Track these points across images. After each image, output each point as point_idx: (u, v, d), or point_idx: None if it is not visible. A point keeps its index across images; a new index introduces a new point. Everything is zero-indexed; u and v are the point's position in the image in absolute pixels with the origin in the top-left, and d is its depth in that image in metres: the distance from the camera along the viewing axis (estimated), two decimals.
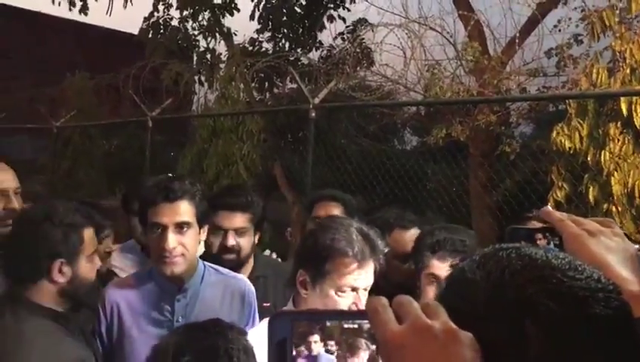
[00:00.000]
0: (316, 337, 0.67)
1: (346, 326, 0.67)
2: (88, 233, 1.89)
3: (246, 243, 2.49)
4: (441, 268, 1.99)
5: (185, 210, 2.06)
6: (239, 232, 2.47)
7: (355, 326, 0.67)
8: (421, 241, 2.09)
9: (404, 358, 0.61)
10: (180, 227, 2.05)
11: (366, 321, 0.66)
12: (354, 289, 1.77)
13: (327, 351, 0.67)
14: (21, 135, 11.23)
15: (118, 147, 9.76)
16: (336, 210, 2.80)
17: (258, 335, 1.63)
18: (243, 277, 2.27)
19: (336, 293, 1.76)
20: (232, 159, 7.15)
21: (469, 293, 0.66)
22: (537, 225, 3.02)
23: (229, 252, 2.45)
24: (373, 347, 0.67)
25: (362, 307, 1.77)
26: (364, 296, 1.79)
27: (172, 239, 2.03)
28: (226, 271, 2.30)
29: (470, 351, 0.60)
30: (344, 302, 1.77)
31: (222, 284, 2.21)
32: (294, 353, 0.66)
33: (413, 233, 2.53)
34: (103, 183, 9.19)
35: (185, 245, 2.07)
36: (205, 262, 2.28)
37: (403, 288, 2.35)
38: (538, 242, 0.99)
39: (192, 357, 1.39)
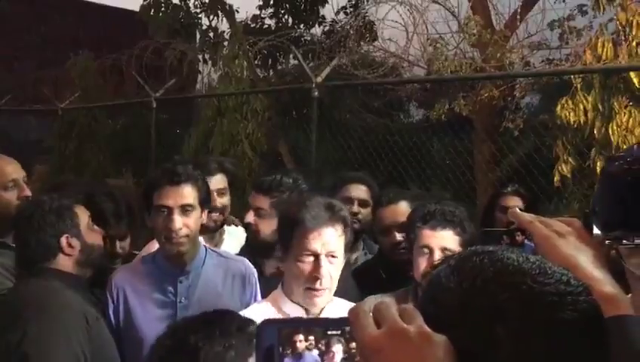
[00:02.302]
0: (301, 337, 0.71)
1: (329, 332, 0.71)
2: (79, 209, 2.10)
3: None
4: (432, 237, 2.02)
5: (189, 193, 2.14)
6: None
7: (339, 332, 0.70)
8: (413, 215, 2.12)
9: (380, 361, 0.64)
10: (185, 209, 2.13)
11: (348, 327, 0.69)
12: (315, 256, 1.81)
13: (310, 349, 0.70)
14: (27, 116, 11.28)
15: (123, 127, 9.78)
16: (364, 193, 2.88)
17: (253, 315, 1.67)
18: (243, 259, 2.32)
19: (297, 261, 1.82)
20: (238, 138, 7.15)
21: (443, 299, 0.69)
22: (517, 201, 3.08)
23: None
24: (351, 344, 0.70)
25: (322, 273, 1.81)
26: (326, 263, 1.82)
27: (178, 220, 2.10)
28: (227, 253, 2.36)
29: (444, 352, 0.63)
30: (305, 268, 1.81)
31: (223, 266, 2.27)
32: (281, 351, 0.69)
33: (391, 208, 2.58)
34: (109, 163, 9.24)
35: (189, 226, 2.14)
36: (206, 245, 2.32)
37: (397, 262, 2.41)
38: (517, 238, 1.02)
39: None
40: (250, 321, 1.53)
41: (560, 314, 0.64)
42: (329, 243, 1.82)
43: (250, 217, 2.44)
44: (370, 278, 2.43)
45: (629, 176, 0.98)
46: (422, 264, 2.02)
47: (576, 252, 0.93)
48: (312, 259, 1.82)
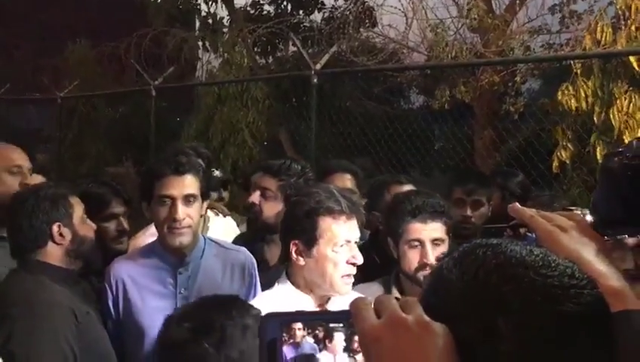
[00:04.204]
0: (299, 325, 0.71)
1: (332, 325, 0.71)
2: (74, 199, 2.09)
3: None
4: (423, 230, 2.03)
5: (192, 183, 2.13)
6: None
7: (341, 325, 0.71)
8: (397, 209, 2.10)
9: (380, 350, 0.65)
10: (188, 199, 2.12)
11: (350, 319, 0.70)
12: (347, 243, 1.86)
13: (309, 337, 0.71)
14: (27, 105, 11.26)
15: (123, 115, 9.77)
16: (350, 182, 2.88)
17: (263, 304, 1.69)
18: (243, 250, 2.32)
19: (332, 251, 1.84)
20: (238, 126, 7.16)
21: (445, 292, 0.69)
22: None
23: None
24: (353, 336, 0.71)
25: (359, 258, 1.87)
26: (356, 249, 1.88)
27: (182, 210, 2.10)
28: (226, 243, 2.36)
29: (443, 340, 0.63)
30: (341, 256, 1.85)
31: (222, 257, 2.26)
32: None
33: (408, 188, 2.60)
34: (109, 152, 9.24)
35: (191, 217, 2.13)
36: (206, 236, 2.33)
37: None
38: (520, 231, 1.01)
39: (190, 325, 1.47)
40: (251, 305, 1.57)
41: (563, 307, 0.63)
42: (356, 230, 1.89)
43: (255, 197, 2.45)
44: (364, 263, 2.43)
45: (628, 171, 0.96)
46: (414, 257, 2.04)
47: (580, 246, 0.92)
48: (347, 246, 1.86)
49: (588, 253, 0.91)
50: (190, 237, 2.15)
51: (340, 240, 1.85)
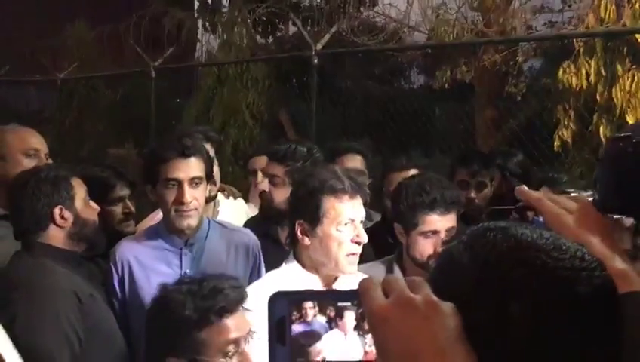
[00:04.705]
0: (310, 304, 0.72)
1: (340, 304, 0.72)
2: (76, 181, 2.07)
3: None
4: (439, 221, 2.05)
5: (198, 165, 2.15)
6: None
7: (348, 303, 0.72)
8: (413, 200, 2.08)
9: (388, 330, 0.65)
10: (194, 182, 2.14)
11: (358, 298, 0.70)
12: (351, 222, 1.87)
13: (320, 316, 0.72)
14: (27, 87, 11.22)
15: (123, 97, 9.73)
16: (360, 163, 2.90)
17: (261, 289, 1.71)
18: (248, 231, 2.34)
19: (336, 230, 1.86)
20: (238, 107, 7.13)
21: (455, 275, 0.68)
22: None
23: None
24: (360, 310, 0.71)
25: (363, 236, 1.88)
26: (361, 228, 1.89)
27: (189, 193, 2.11)
28: (230, 224, 2.37)
29: (452, 320, 0.63)
30: (345, 235, 1.86)
31: (226, 238, 2.28)
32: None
33: (410, 173, 2.59)
34: (110, 133, 9.22)
35: (198, 199, 2.15)
36: (209, 218, 2.34)
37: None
38: (527, 214, 1.01)
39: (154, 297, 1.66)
40: (237, 291, 1.59)
41: (575, 289, 0.63)
42: (361, 210, 1.91)
43: (264, 185, 2.45)
44: (377, 243, 2.43)
45: (632, 159, 0.96)
46: (428, 246, 2.06)
47: (585, 228, 0.93)
48: (351, 226, 1.87)
49: (593, 235, 0.92)
50: (197, 220, 2.17)
51: (344, 219, 1.86)
